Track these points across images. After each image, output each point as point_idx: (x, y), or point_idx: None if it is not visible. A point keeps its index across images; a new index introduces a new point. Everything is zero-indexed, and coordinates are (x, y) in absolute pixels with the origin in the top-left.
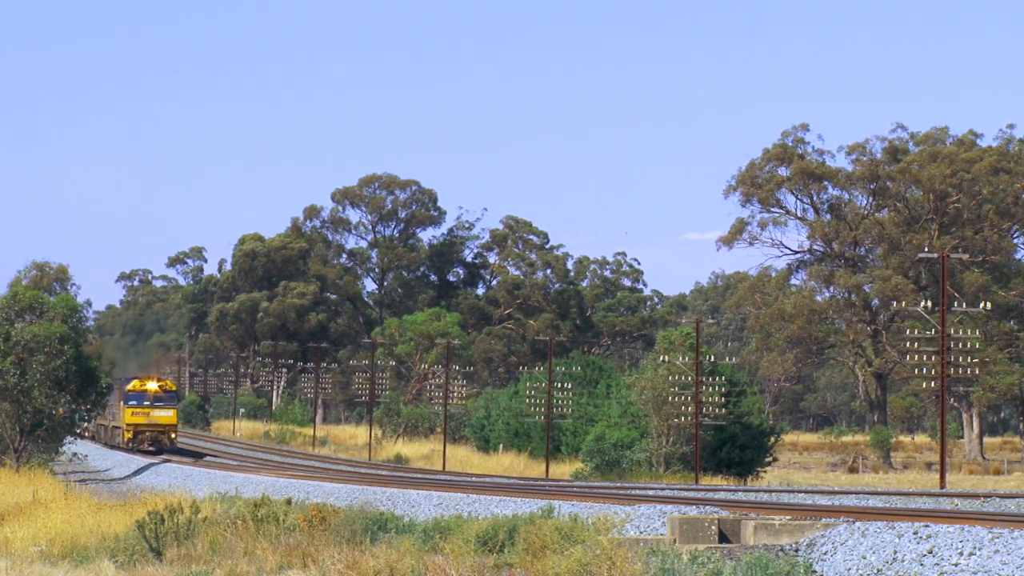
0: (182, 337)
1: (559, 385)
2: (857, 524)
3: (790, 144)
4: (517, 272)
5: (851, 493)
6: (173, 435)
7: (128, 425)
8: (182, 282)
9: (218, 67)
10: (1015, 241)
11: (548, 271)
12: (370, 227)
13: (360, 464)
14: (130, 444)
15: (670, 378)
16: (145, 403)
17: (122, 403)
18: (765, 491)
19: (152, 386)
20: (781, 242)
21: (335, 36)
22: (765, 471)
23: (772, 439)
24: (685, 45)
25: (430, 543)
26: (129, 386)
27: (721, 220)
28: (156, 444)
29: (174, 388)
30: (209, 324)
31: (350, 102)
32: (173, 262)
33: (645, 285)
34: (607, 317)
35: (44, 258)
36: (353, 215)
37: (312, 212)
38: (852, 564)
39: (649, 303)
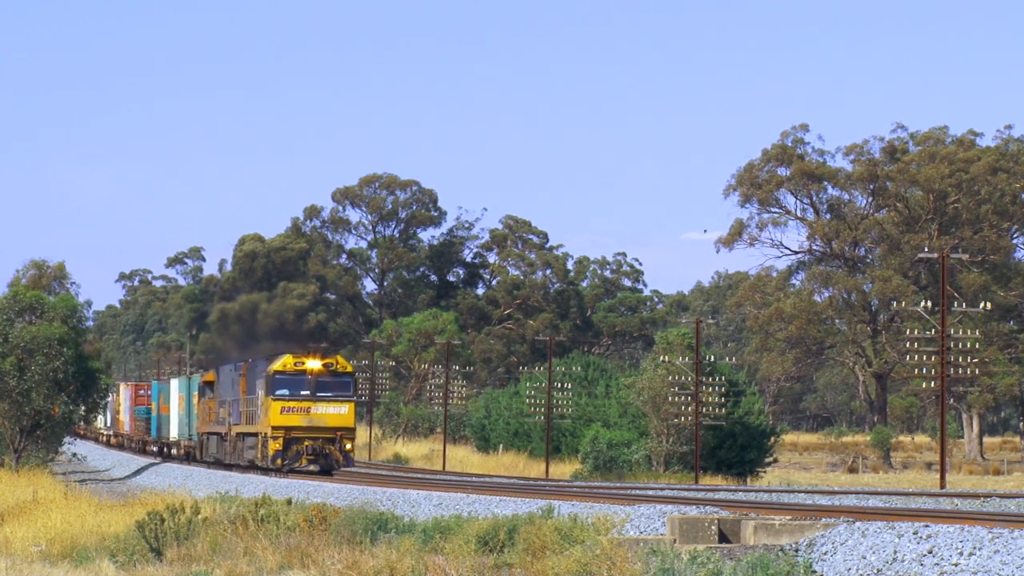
0: (183, 337)
1: (559, 385)
2: (857, 524)
3: (789, 144)
4: (517, 272)
5: (851, 493)
6: (348, 444)
7: (276, 430)
8: (182, 282)
9: (218, 67)
10: (1014, 241)
11: (548, 271)
12: (370, 227)
13: (360, 464)
14: (278, 461)
15: (669, 378)
16: (303, 392)
17: (264, 393)
18: (765, 491)
19: (314, 364)
20: (781, 242)
21: (335, 36)
22: (765, 471)
23: (772, 439)
24: (685, 45)
25: (430, 543)
26: (276, 364)
27: (721, 220)
28: (322, 460)
29: (350, 369)
30: (210, 324)
31: (350, 102)
32: (173, 262)
33: (645, 285)
34: (607, 317)
35: (42, 257)
36: (353, 215)
37: (312, 212)
38: (852, 564)
39: (649, 303)
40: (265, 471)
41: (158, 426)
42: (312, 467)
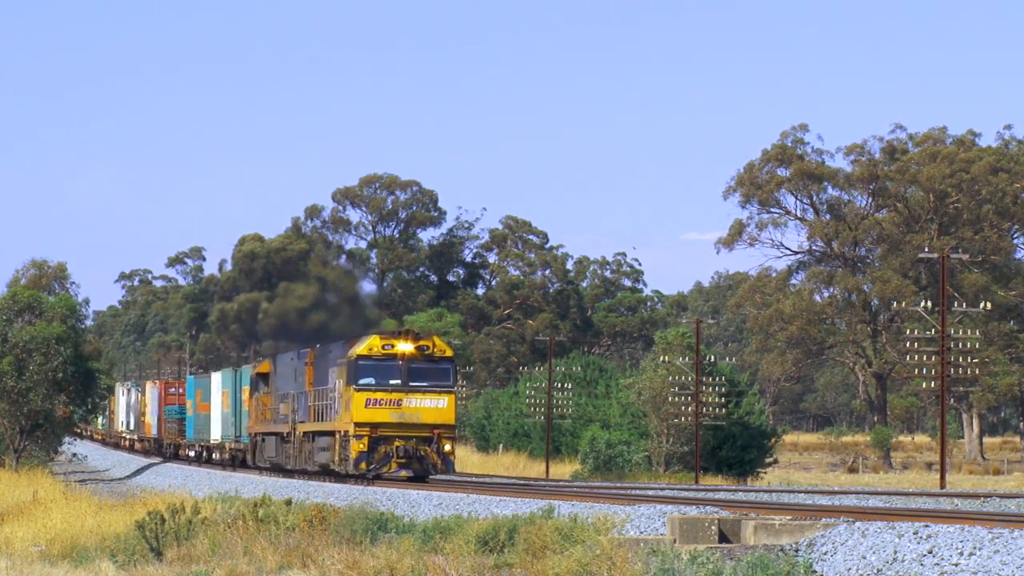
0: (183, 337)
1: (559, 385)
2: (857, 524)
3: (789, 144)
4: (516, 272)
5: (851, 493)
6: (448, 445)
7: (359, 427)
8: (182, 282)
9: (218, 67)
10: (1015, 241)
11: (547, 271)
12: (370, 227)
13: None
14: (362, 465)
15: (669, 378)
16: (393, 381)
17: (344, 382)
18: (765, 491)
19: (406, 347)
20: (781, 243)
21: (335, 36)
22: (765, 471)
23: (772, 440)
24: (684, 45)
25: (430, 543)
26: (360, 347)
27: (721, 220)
28: (415, 464)
29: (450, 353)
30: (210, 324)
31: (350, 102)
32: (173, 262)
33: (645, 285)
34: (607, 317)
35: (43, 257)
36: (353, 215)
37: (313, 212)
38: (852, 564)
39: (649, 303)
40: (342, 478)
41: (195, 427)
42: (404, 472)
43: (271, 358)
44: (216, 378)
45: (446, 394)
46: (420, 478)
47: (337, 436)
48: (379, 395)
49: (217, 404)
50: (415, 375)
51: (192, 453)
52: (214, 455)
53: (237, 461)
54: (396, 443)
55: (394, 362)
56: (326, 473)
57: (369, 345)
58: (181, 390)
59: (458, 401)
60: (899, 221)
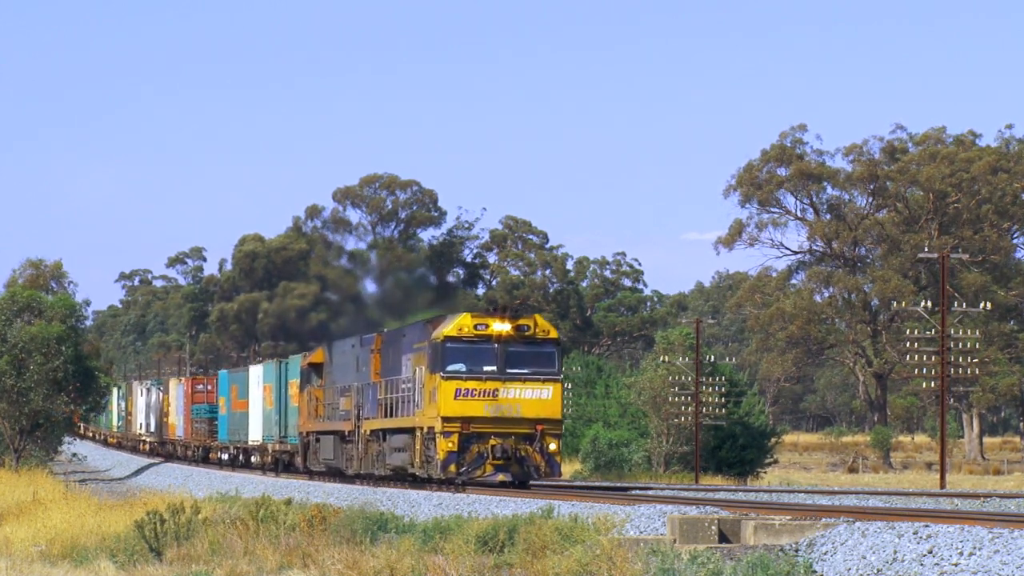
0: (183, 337)
1: None
2: (857, 524)
3: (788, 145)
4: (517, 272)
5: (851, 493)
6: (553, 445)
7: (448, 423)
8: (182, 282)
9: (218, 67)
10: (1015, 241)
11: (548, 271)
12: (370, 228)
13: None
14: (451, 468)
15: (670, 378)
16: (488, 368)
17: (428, 370)
18: (765, 491)
19: (503, 327)
20: (781, 243)
21: (335, 36)
22: (765, 471)
23: (772, 440)
24: (684, 45)
25: (430, 543)
26: (447, 328)
27: (721, 220)
28: (515, 466)
29: (555, 334)
30: (210, 324)
31: (350, 102)
32: (173, 262)
33: (645, 285)
34: (607, 317)
35: (40, 256)
36: (353, 215)
37: (313, 212)
38: (852, 564)
39: (649, 303)
40: (423, 483)
41: (230, 427)
42: (501, 476)
43: (325, 346)
44: (256, 371)
45: (551, 383)
46: (521, 483)
47: (418, 434)
48: (471, 384)
49: (257, 400)
50: (514, 360)
51: (225, 456)
52: (252, 458)
53: (282, 465)
54: (492, 441)
55: (489, 345)
56: (401, 478)
57: (458, 325)
58: (211, 387)
59: (565, 392)
60: (899, 221)
